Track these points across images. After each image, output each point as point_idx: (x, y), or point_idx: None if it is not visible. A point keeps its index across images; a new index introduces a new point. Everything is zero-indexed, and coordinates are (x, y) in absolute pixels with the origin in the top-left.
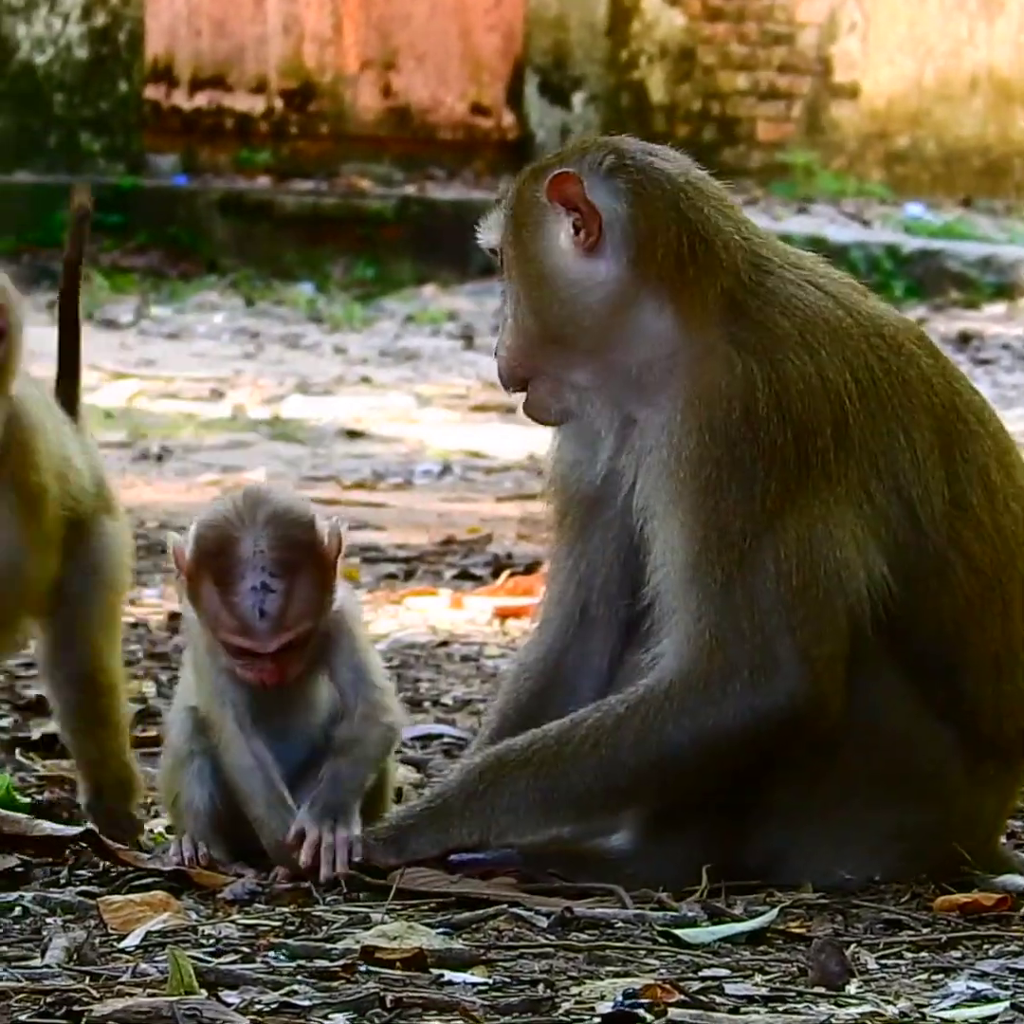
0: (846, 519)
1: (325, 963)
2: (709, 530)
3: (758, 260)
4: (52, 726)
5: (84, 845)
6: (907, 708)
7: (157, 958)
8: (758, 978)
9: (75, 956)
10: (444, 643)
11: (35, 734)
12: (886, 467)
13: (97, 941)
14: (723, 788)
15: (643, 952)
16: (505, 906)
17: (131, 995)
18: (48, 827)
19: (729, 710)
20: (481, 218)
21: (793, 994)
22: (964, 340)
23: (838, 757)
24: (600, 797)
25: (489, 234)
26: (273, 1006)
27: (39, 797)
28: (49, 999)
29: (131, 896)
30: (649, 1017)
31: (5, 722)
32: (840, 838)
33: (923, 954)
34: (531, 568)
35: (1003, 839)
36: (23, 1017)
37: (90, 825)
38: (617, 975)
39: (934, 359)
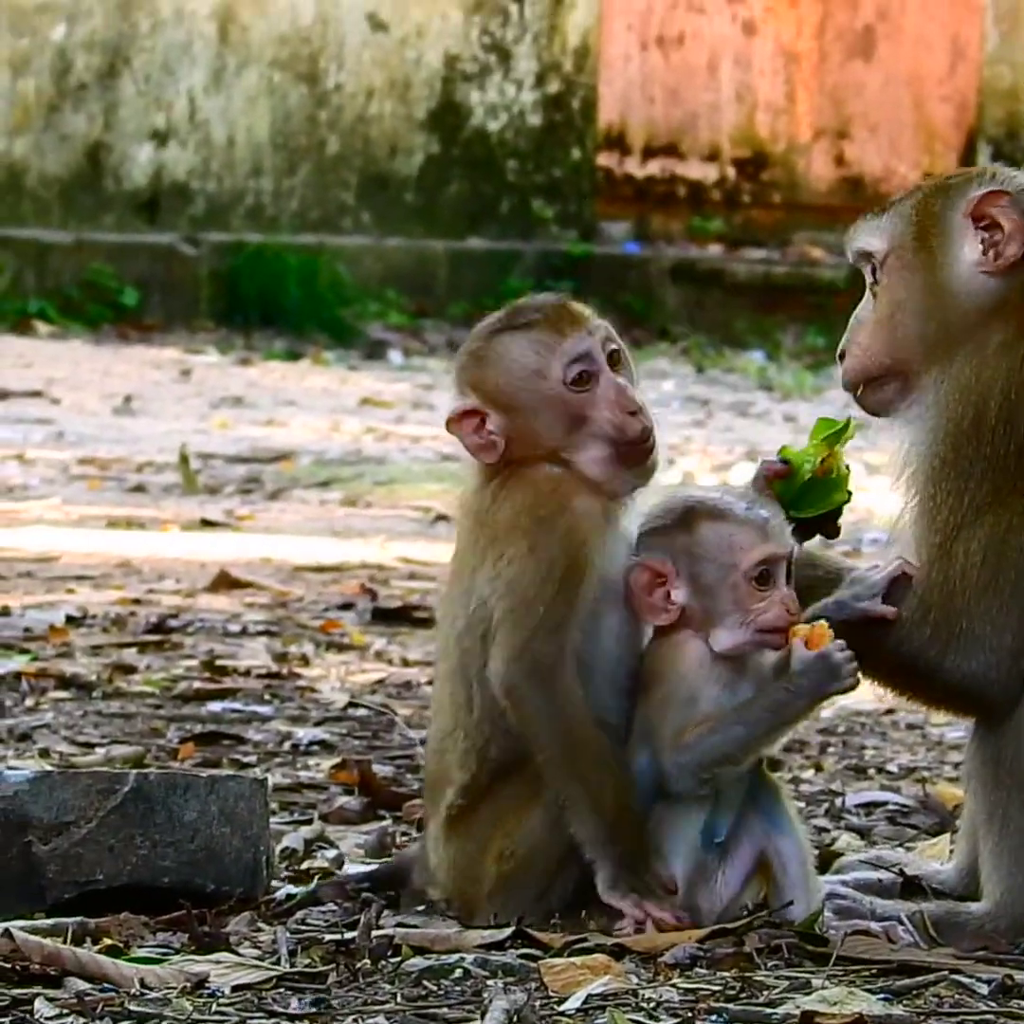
0: None
1: None
2: (924, 515)
3: None
4: None
5: None
6: None
7: (597, 1020)
8: None
9: (516, 1018)
10: (890, 711)
11: None
12: None
13: (538, 1003)
14: None
15: None
16: (946, 973)
17: None
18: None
19: (922, 650)
20: None
21: None
22: None
23: None
24: None
25: (870, 239)
26: None
27: None
28: None
29: (572, 959)
30: None
31: None
32: None
33: None
34: None
35: None
36: None
37: None
38: None
39: None
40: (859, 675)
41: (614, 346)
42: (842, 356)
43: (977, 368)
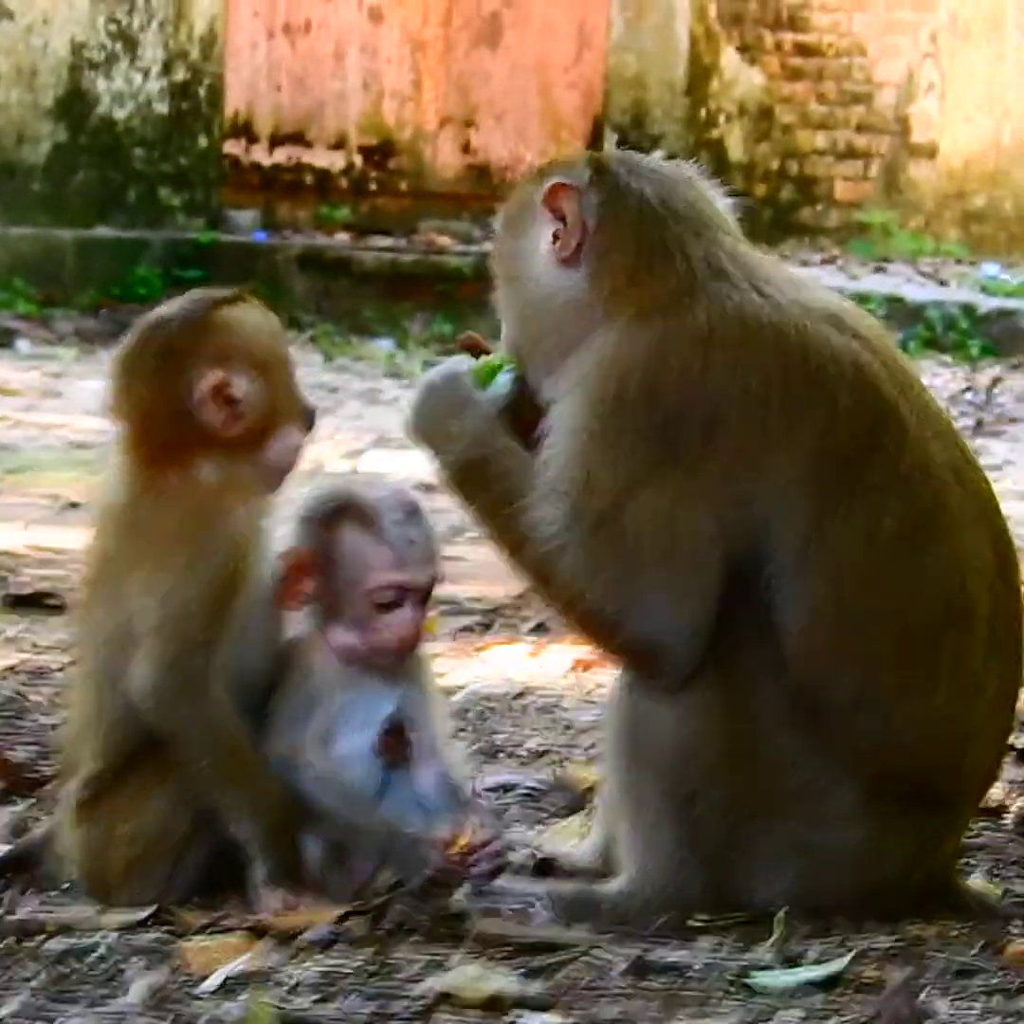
0: (700, 509)
1: (402, 1006)
2: (578, 484)
3: (715, 270)
4: None
5: None
6: (786, 726)
7: (236, 1000)
8: (832, 1022)
9: (155, 997)
10: (522, 694)
11: None
12: (748, 480)
13: (177, 983)
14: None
15: (717, 997)
16: (581, 951)
17: None
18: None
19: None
20: None
21: None
22: None
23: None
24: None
25: (498, 228)
26: None
27: None
28: None
29: (211, 939)
30: None
31: None
32: (743, 855)
33: (994, 1000)
34: None
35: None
36: None
37: None
38: (692, 1019)
39: (870, 400)
40: (442, 884)
41: None
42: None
43: (613, 346)
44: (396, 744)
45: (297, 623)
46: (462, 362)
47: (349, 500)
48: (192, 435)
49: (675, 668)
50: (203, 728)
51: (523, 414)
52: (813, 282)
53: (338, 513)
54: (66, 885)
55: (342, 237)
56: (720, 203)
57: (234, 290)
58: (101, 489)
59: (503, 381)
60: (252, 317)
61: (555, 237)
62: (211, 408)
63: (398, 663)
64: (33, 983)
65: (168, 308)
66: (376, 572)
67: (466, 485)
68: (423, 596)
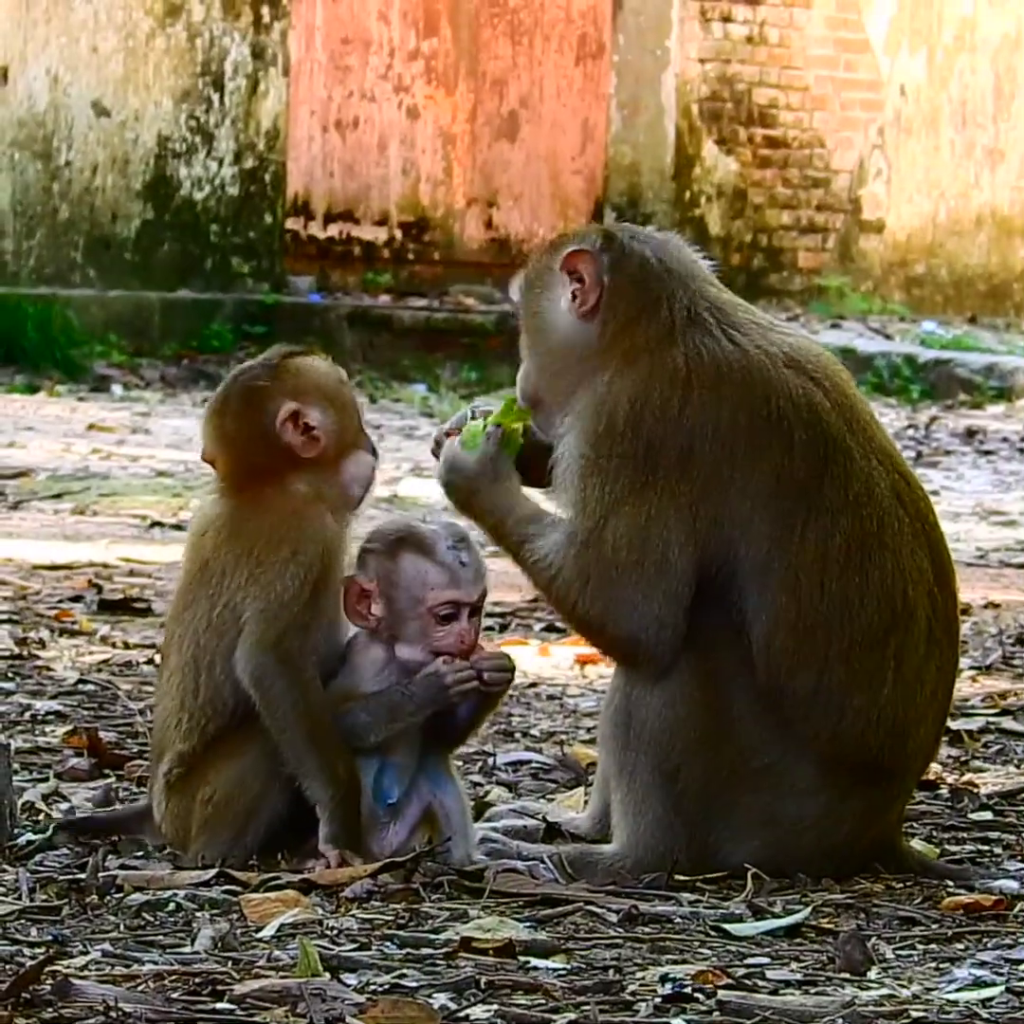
0: (672, 524)
1: (430, 951)
2: (576, 504)
3: (697, 317)
4: None
5: None
6: (754, 713)
7: (288, 946)
8: (794, 965)
9: (219, 944)
10: (533, 684)
11: None
12: (717, 502)
13: (238, 932)
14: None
15: (697, 943)
16: (582, 904)
17: (266, 977)
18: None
19: (589, 614)
20: None
21: (823, 979)
22: (970, 435)
23: (717, 749)
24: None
25: (512, 292)
26: (385, 987)
27: None
28: (197, 980)
29: (267, 894)
30: (701, 997)
31: None
32: (719, 822)
33: (932, 946)
34: None
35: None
36: (174, 995)
37: None
38: (675, 962)
39: (821, 435)
40: (466, 693)
41: None
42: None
43: (607, 384)
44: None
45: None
46: (456, 442)
47: (408, 531)
48: (276, 458)
49: (651, 659)
50: (296, 701)
51: (532, 460)
52: (778, 325)
53: (398, 543)
54: (146, 849)
55: (384, 299)
56: (702, 262)
57: (304, 346)
58: (196, 514)
59: (490, 439)
60: (320, 364)
61: (574, 296)
62: (290, 432)
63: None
64: (113, 934)
65: (249, 362)
66: (435, 591)
67: (484, 524)
68: (474, 608)
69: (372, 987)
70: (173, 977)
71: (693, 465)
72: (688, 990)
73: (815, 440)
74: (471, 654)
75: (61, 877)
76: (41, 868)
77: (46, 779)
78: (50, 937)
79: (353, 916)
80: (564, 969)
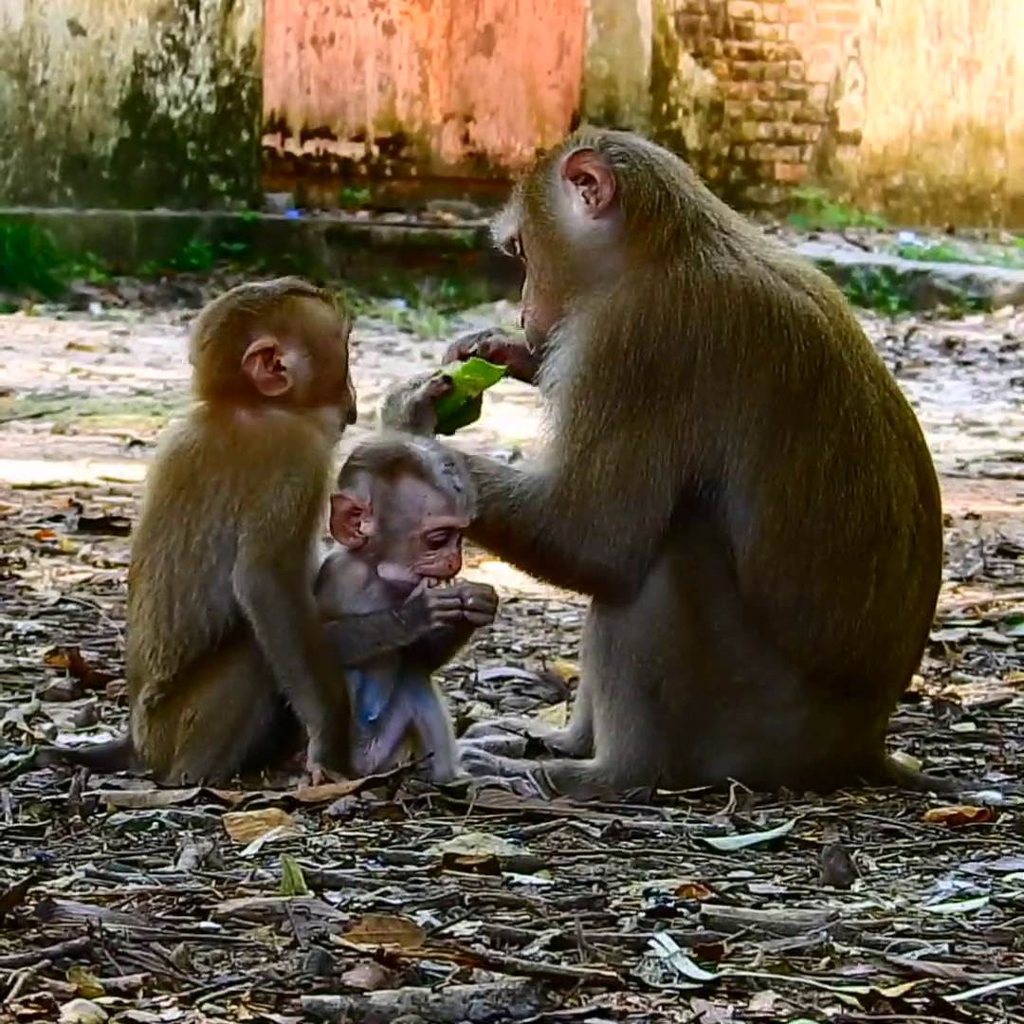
0: (659, 449)
1: (413, 868)
2: (565, 425)
3: (699, 221)
4: None
5: None
6: (736, 627)
7: (272, 865)
8: (777, 879)
9: (203, 863)
10: (514, 600)
11: None
12: (712, 416)
13: (222, 850)
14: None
15: (681, 857)
16: (565, 819)
17: (250, 895)
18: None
19: (559, 542)
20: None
21: (807, 892)
22: (949, 346)
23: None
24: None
25: (504, 229)
26: (369, 905)
27: None
28: (181, 899)
29: (250, 813)
30: (685, 912)
31: None
32: (702, 736)
33: (916, 858)
34: None
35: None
36: (159, 914)
37: None
38: (659, 877)
39: (819, 348)
40: (449, 620)
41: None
42: (523, 320)
43: (611, 299)
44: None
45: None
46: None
47: (404, 453)
48: (245, 386)
49: (620, 590)
50: (293, 621)
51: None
52: (775, 241)
53: (397, 465)
54: (128, 771)
55: (362, 215)
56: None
57: (322, 288)
58: (163, 440)
59: (430, 385)
60: (322, 311)
61: (585, 198)
62: (257, 366)
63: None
64: (96, 854)
65: (259, 283)
66: (432, 516)
67: None
68: (462, 533)
69: (356, 905)
70: (157, 896)
71: (693, 380)
72: (672, 905)
73: (813, 353)
74: (455, 578)
75: (44, 798)
76: (24, 789)
77: (28, 699)
78: (33, 857)
79: (336, 834)
80: (548, 885)
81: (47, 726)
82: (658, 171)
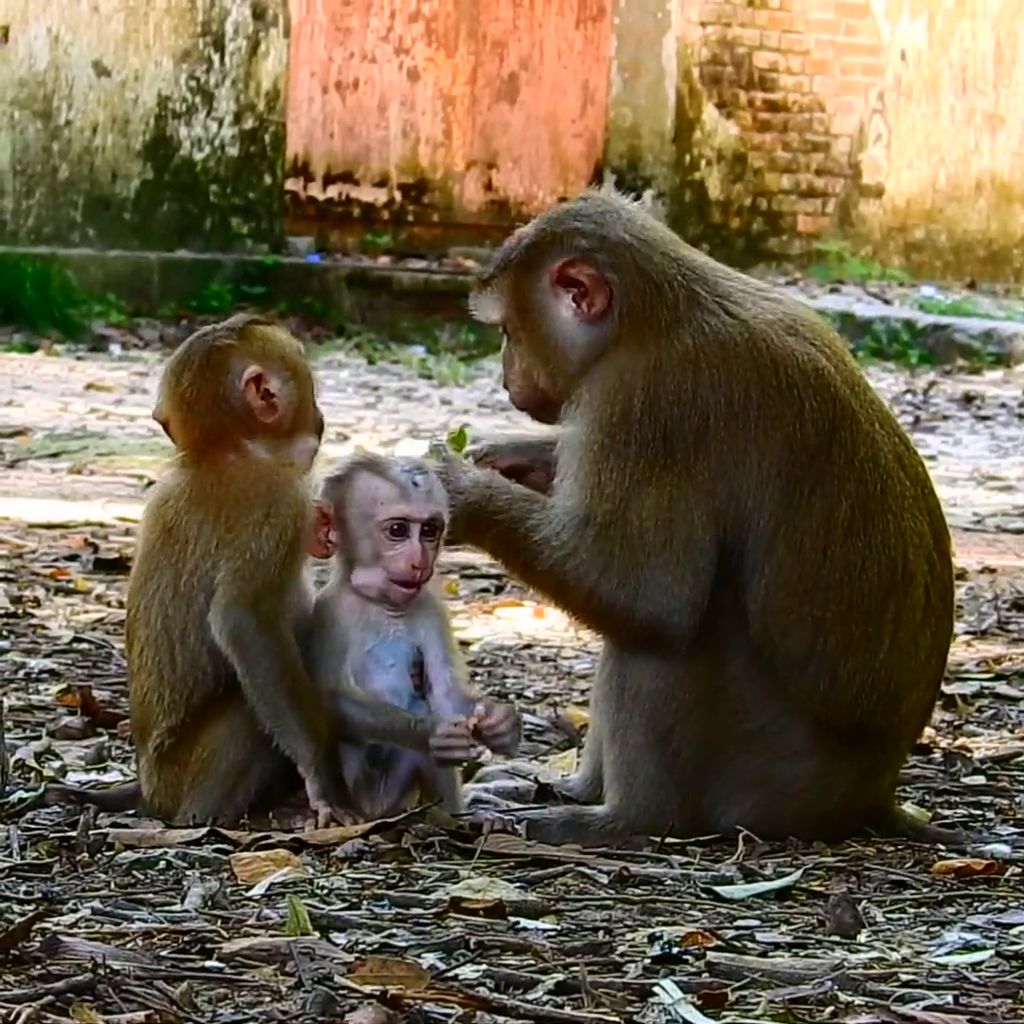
0: (694, 503)
1: (420, 910)
2: (590, 488)
3: (692, 293)
4: None
5: None
6: (748, 675)
7: (278, 905)
8: (783, 928)
9: (209, 902)
10: (528, 646)
11: None
12: (733, 477)
13: (228, 890)
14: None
15: (687, 905)
16: (572, 865)
17: (255, 935)
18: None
19: (613, 595)
20: None
21: (813, 941)
22: (968, 400)
23: (711, 710)
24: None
25: (487, 313)
26: (374, 946)
27: None
28: (186, 937)
29: (258, 853)
30: (690, 959)
31: None
32: (712, 784)
33: (923, 909)
34: None
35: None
36: (164, 952)
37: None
38: (665, 923)
39: (830, 401)
40: (464, 756)
41: None
42: (506, 386)
43: (617, 372)
44: (420, 679)
45: (326, 582)
46: (430, 444)
47: (361, 458)
48: (233, 421)
49: (680, 640)
50: (274, 660)
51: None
52: (764, 288)
53: (352, 468)
54: (138, 811)
55: (384, 260)
56: (662, 226)
57: (267, 315)
58: (155, 488)
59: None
60: (283, 335)
61: (576, 302)
62: (252, 394)
63: (410, 599)
64: (103, 891)
65: (217, 324)
66: (385, 505)
67: (476, 524)
68: (426, 529)
69: (361, 946)
70: (162, 935)
71: (709, 443)
72: (677, 952)
73: (824, 406)
74: (425, 575)
75: (52, 834)
76: (32, 825)
77: (39, 737)
78: (40, 894)
79: (343, 876)
80: (554, 930)
81: (57, 764)
82: (644, 263)
